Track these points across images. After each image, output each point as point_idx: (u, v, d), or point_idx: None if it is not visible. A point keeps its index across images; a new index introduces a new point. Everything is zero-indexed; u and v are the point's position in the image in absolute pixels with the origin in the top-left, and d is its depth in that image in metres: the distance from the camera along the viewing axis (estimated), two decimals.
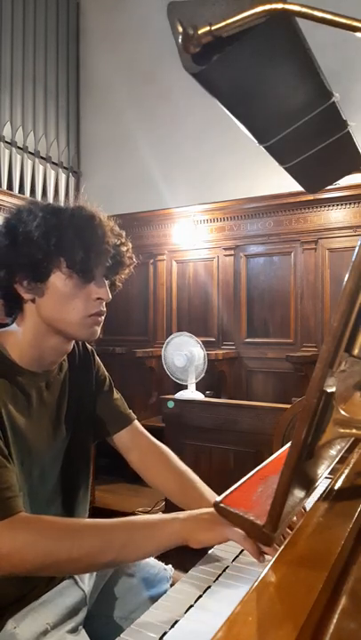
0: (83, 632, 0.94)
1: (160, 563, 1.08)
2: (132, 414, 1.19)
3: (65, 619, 0.93)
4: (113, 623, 1.03)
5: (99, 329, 0.98)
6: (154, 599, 1.00)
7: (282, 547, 0.58)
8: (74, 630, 0.92)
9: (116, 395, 1.19)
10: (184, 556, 0.91)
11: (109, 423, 1.15)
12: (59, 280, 0.92)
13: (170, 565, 1.07)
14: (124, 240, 1.02)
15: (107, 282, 0.99)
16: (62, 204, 0.99)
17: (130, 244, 1.04)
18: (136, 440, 1.16)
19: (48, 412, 1.01)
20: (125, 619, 1.02)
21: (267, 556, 0.75)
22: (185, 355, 2.93)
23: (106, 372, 1.19)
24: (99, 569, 0.96)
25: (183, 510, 0.90)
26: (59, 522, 0.84)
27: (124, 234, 1.02)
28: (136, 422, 1.18)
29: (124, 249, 1.02)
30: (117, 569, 1.07)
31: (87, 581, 1.05)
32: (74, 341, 1.06)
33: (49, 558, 0.78)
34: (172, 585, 0.99)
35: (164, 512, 2.83)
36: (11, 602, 0.91)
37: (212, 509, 0.78)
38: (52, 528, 0.81)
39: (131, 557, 0.88)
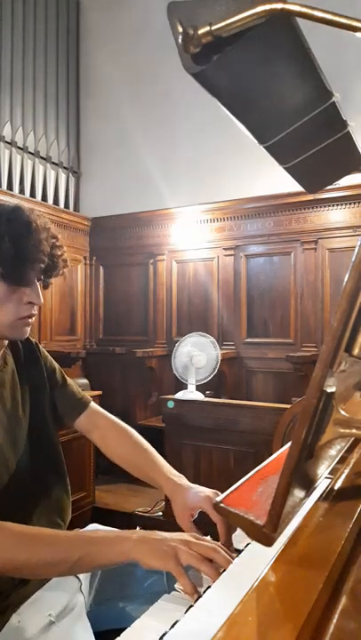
0: (85, 619, 0.96)
1: None
2: (87, 397, 1.23)
3: (66, 608, 0.95)
4: (115, 607, 1.05)
5: (29, 329, 1.03)
6: (150, 574, 1.05)
7: (280, 548, 0.58)
8: (76, 619, 0.94)
9: (69, 382, 1.22)
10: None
11: (68, 412, 1.19)
12: None
13: None
14: (59, 243, 1.05)
15: (39, 282, 1.03)
16: None
17: (64, 247, 1.08)
18: (94, 420, 1.21)
19: (1, 406, 1.03)
20: (127, 598, 1.05)
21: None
22: (205, 355, 2.95)
23: (54, 363, 1.22)
24: (55, 576, 0.99)
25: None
26: (20, 530, 0.84)
27: (59, 236, 1.06)
28: (92, 404, 1.23)
29: (59, 252, 1.05)
30: None
31: None
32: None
33: (9, 564, 0.81)
34: None
35: (163, 512, 2.83)
36: (11, 595, 0.93)
37: (166, 535, 0.81)
38: (13, 537, 0.82)
39: (84, 570, 0.92)
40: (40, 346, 1.19)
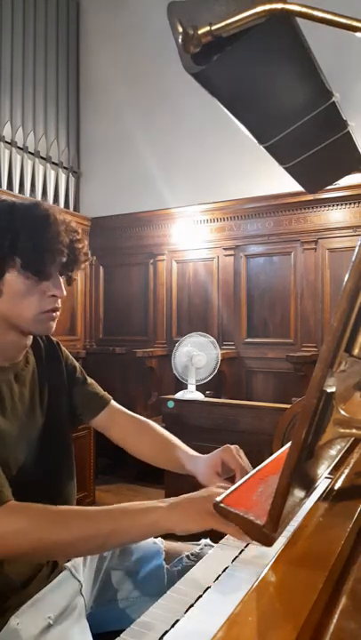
0: (85, 622, 0.95)
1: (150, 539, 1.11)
2: (107, 395, 1.23)
3: (65, 611, 0.94)
4: (115, 608, 1.05)
5: (54, 324, 1.02)
6: (150, 576, 1.05)
7: (282, 546, 0.58)
8: (76, 621, 0.94)
9: (90, 380, 1.22)
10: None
11: (87, 409, 1.19)
12: (14, 278, 0.94)
13: (159, 538, 1.10)
14: (79, 237, 1.04)
15: (62, 277, 1.02)
16: (18, 200, 0.99)
17: (85, 241, 1.07)
18: (114, 418, 1.21)
19: (21, 403, 1.02)
20: (127, 600, 1.05)
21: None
22: (205, 354, 2.96)
23: (75, 362, 1.22)
24: (87, 554, 1.00)
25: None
26: (48, 509, 0.84)
27: (80, 230, 1.05)
28: (113, 402, 1.23)
29: (80, 245, 1.04)
30: (111, 555, 1.10)
31: (82, 572, 1.06)
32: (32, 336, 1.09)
33: (39, 544, 0.80)
34: (165, 558, 1.06)
35: None
36: (10, 597, 0.92)
37: (194, 494, 0.81)
38: (42, 515, 0.82)
39: (117, 544, 0.93)
40: (61, 345, 1.19)
